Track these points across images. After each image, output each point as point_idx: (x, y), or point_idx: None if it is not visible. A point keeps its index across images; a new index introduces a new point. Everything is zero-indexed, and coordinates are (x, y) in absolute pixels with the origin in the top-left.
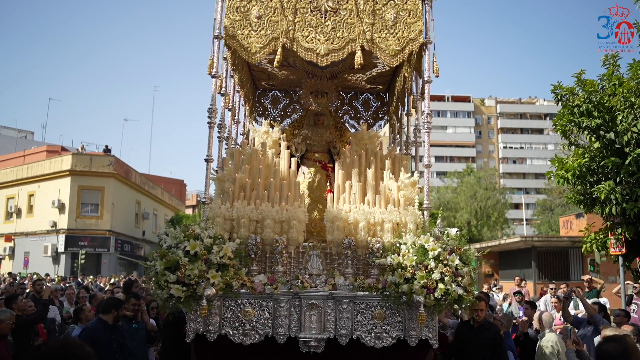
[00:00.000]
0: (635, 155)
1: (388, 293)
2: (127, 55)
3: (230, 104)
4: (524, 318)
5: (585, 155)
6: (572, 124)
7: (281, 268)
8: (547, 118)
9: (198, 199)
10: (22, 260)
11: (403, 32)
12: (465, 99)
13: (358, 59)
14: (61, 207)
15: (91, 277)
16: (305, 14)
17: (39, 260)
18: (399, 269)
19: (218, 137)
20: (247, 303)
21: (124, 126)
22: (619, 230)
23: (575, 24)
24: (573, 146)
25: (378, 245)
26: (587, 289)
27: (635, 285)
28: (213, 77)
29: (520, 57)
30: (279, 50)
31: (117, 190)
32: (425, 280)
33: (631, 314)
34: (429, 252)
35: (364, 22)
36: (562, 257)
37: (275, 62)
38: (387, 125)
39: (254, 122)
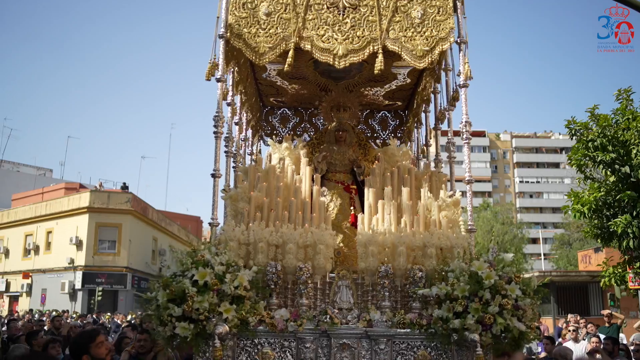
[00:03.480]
0: None
1: (434, 330)
2: (145, 92)
3: (237, 117)
4: (543, 353)
5: (601, 189)
6: (587, 158)
7: (306, 301)
8: (563, 152)
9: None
10: (39, 297)
11: (432, 30)
12: (481, 134)
13: (379, 63)
14: (79, 244)
15: (108, 314)
16: (320, 10)
17: (56, 297)
18: (448, 302)
19: (225, 152)
20: (266, 343)
21: (142, 163)
22: (638, 264)
23: (590, 58)
24: (589, 180)
25: (420, 273)
26: (607, 324)
27: None
28: (218, 80)
29: (534, 92)
30: (291, 52)
31: (134, 227)
32: (482, 315)
33: None
34: (484, 281)
35: (387, 20)
36: (582, 292)
37: (286, 66)
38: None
39: (261, 141)
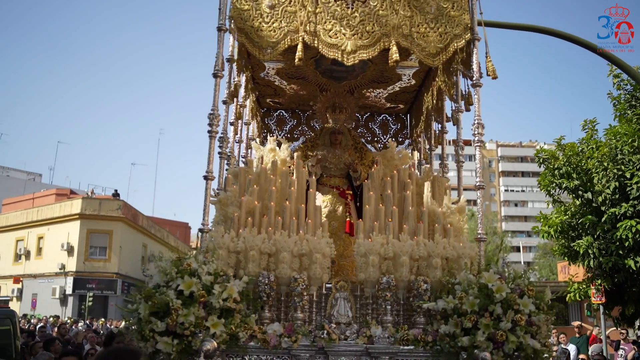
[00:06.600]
0: (609, 214)
1: (440, 347)
2: (135, 98)
3: (235, 114)
4: None
5: (567, 213)
6: (554, 184)
7: (301, 315)
8: None
9: None
10: (29, 301)
11: (446, 26)
12: (467, 143)
13: (394, 54)
14: (70, 250)
15: (102, 319)
16: (327, 3)
17: (46, 302)
18: (455, 316)
19: (219, 153)
20: None
21: (131, 169)
22: (599, 281)
23: (572, 71)
24: (556, 203)
25: (425, 285)
26: (577, 335)
27: (622, 331)
28: (215, 76)
29: (520, 101)
30: (299, 46)
31: (125, 234)
32: (493, 331)
33: (620, 359)
34: (495, 295)
35: (399, 15)
36: (561, 301)
37: (297, 59)
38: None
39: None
